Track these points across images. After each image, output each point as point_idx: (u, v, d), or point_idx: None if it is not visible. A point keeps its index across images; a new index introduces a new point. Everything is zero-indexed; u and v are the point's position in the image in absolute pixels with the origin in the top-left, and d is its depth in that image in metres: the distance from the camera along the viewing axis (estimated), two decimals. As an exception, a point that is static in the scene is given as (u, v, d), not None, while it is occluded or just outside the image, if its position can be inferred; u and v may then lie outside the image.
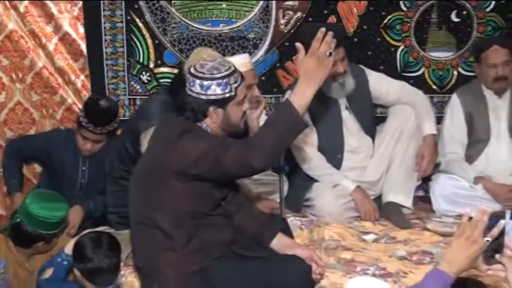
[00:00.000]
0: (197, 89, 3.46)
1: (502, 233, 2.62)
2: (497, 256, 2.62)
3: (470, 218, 2.56)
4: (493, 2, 5.51)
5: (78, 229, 4.34)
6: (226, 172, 3.43)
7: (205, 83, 3.45)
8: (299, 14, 5.33)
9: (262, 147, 3.35)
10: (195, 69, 3.50)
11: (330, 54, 3.32)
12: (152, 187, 3.53)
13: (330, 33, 3.30)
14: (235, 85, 3.48)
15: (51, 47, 5.13)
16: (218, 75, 3.45)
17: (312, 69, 3.33)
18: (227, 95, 3.46)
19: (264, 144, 3.35)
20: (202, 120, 3.51)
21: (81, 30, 5.13)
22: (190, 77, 3.50)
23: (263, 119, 4.14)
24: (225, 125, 3.54)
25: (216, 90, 3.44)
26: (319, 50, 3.30)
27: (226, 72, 3.47)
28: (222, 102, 3.46)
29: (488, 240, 2.60)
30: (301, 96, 3.34)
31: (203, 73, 3.46)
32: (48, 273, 3.58)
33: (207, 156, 3.37)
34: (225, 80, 3.45)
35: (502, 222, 2.65)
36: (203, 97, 3.45)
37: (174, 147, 3.44)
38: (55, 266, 3.57)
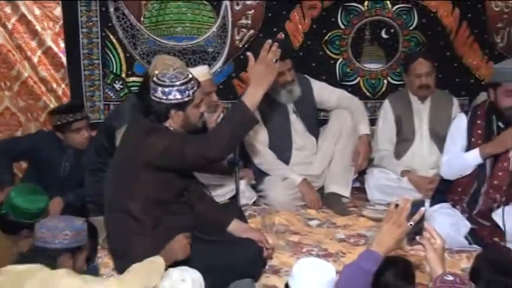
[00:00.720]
0: (160, 95, 3.47)
1: (422, 219, 2.67)
2: (418, 238, 2.67)
3: (397, 206, 2.56)
4: (416, 21, 5.53)
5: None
6: (188, 162, 3.48)
7: (167, 89, 3.46)
8: (252, 31, 5.31)
9: (219, 139, 3.44)
10: (158, 78, 3.51)
11: (276, 61, 3.42)
12: (124, 178, 3.52)
13: (275, 44, 3.40)
14: (192, 90, 3.50)
15: (35, 60, 5.05)
16: (178, 83, 3.46)
17: (261, 73, 3.45)
18: (186, 99, 3.47)
19: (221, 136, 3.45)
20: (165, 122, 3.52)
21: (62, 45, 5.05)
22: (153, 84, 3.51)
23: (221, 121, 4.15)
24: (185, 124, 3.55)
25: (176, 95, 3.45)
26: (266, 57, 3.40)
27: (184, 80, 3.48)
28: (181, 106, 3.48)
29: (411, 225, 2.63)
30: (252, 97, 3.45)
31: (164, 81, 3.47)
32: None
33: (171, 149, 3.40)
34: (183, 87, 3.47)
35: (422, 209, 2.69)
36: (165, 102, 3.46)
37: (142, 143, 3.45)
38: None
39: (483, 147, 4.08)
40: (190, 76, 3.54)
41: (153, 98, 3.49)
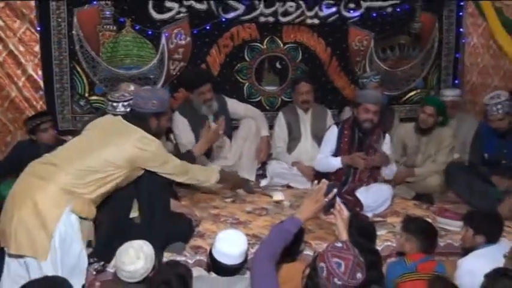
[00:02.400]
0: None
1: (334, 196, 2.81)
2: (331, 210, 2.80)
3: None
4: (300, 56, 5.53)
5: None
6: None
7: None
8: (182, 63, 5.20)
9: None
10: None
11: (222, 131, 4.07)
12: None
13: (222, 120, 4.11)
14: None
15: (20, 84, 4.83)
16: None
17: (206, 140, 4.06)
18: None
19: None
20: None
21: (40, 73, 4.86)
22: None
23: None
24: None
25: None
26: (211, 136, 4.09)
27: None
28: None
29: (326, 200, 2.67)
30: (199, 150, 4.02)
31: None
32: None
33: None
34: None
35: (335, 190, 2.79)
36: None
37: None
38: None
39: (343, 158, 4.23)
40: None
41: None
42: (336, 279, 2.16)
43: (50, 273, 2.72)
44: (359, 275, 2.19)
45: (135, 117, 3.24)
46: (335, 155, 4.30)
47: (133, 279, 2.75)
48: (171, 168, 3.34)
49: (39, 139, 4.30)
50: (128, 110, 3.52)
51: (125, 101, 3.60)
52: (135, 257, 2.74)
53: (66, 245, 2.89)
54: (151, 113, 3.22)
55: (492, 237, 3.15)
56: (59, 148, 3.20)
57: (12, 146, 4.64)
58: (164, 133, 3.56)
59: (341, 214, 2.71)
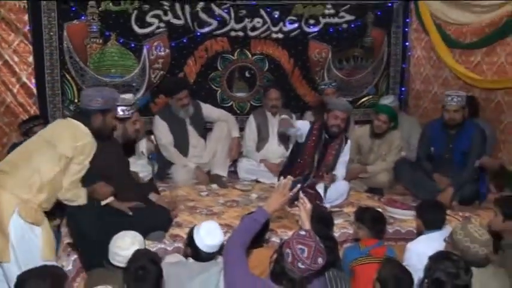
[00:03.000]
0: None
1: (298, 191, 2.77)
2: (296, 202, 2.78)
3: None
4: (267, 66, 5.53)
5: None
6: None
7: None
8: (162, 72, 5.16)
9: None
10: None
11: None
12: None
13: None
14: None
15: (15, 91, 4.75)
16: None
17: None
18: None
19: None
20: None
21: (33, 81, 4.79)
22: None
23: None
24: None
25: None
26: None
27: None
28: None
29: (291, 194, 2.68)
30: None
31: None
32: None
33: None
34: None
35: (298, 185, 2.81)
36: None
37: None
38: None
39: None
40: None
41: None
42: (299, 264, 2.18)
43: (15, 274, 2.54)
44: (320, 260, 2.20)
45: (80, 114, 3.15)
46: (300, 149, 4.30)
47: (124, 264, 2.69)
48: (75, 170, 2.98)
49: None
50: (129, 113, 3.56)
51: (124, 105, 3.58)
52: (131, 243, 2.75)
53: (25, 247, 2.78)
54: (96, 110, 3.09)
55: (433, 223, 3.17)
56: (9, 154, 3.05)
57: (7, 147, 4.54)
58: (110, 131, 3.32)
59: (304, 206, 2.71)
